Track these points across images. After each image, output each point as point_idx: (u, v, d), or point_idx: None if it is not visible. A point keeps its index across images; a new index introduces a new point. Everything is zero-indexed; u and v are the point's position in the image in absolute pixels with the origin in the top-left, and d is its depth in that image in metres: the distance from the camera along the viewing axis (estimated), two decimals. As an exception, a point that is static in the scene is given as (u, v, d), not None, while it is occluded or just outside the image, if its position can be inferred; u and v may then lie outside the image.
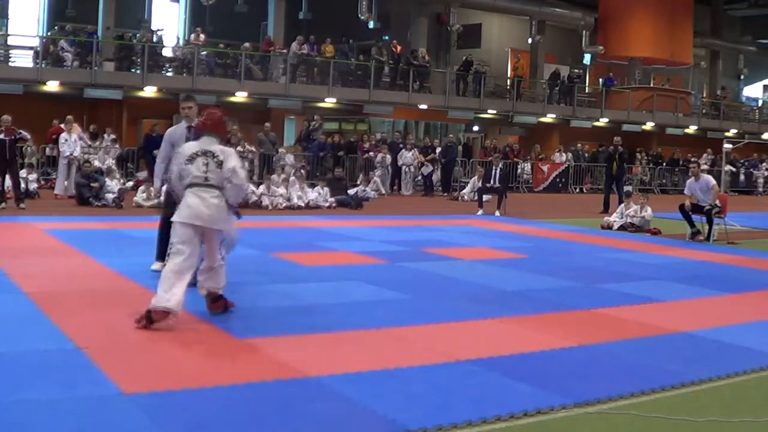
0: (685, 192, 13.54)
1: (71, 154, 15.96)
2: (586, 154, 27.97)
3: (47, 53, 21.59)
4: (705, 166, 20.86)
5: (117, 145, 19.97)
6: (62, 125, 17.37)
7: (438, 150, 23.18)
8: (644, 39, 32.80)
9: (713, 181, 13.13)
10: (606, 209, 17.06)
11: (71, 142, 16.15)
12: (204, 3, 24.80)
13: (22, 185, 14.04)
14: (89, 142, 17.31)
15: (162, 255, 7.29)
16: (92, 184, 14.67)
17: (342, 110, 26.07)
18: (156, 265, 7.50)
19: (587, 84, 34.19)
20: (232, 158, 5.94)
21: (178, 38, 27.90)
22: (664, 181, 29.63)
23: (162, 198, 8.24)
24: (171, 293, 5.48)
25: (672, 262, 10.31)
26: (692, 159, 17.26)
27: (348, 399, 4.19)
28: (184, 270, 5.61)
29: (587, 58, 35.35)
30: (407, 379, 4.59)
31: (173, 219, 5.82)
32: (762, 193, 30.50)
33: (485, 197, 17.34)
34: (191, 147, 6.04)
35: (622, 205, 14.85)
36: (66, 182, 15.90)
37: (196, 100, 7.96)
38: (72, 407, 3.88)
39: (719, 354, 5.55)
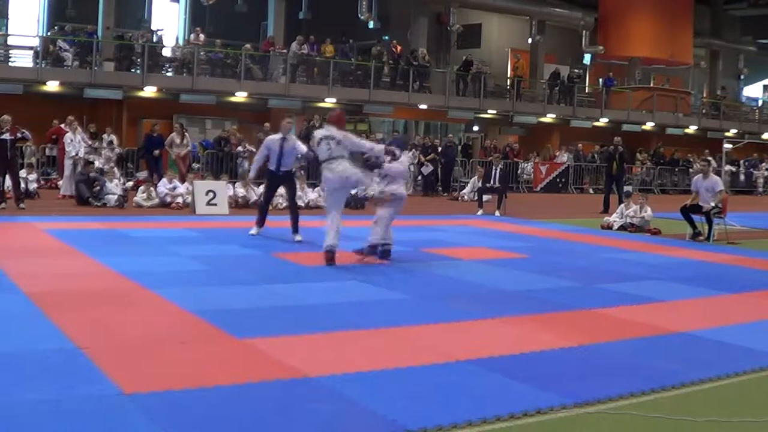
0: (692, 188, 13.52)
1: (76, 154, 15.96)
2: (596, 155, 27.81)
3: (47, 53, 21.59)
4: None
5: (117, 148, 19.92)
6: (62, 125, 17.37)
7: (438, 150, 23.16)
8: (644, 39, 32.81)
9: (721, 186, 13.09)
10: (606, 209, 17.06)
11: (76, 142, 16.16)
12: (204, 3, 24.80)
13: (22, 185, 14.05)
14: (89, 142, 17.33)
15: (261, 223, 11.06)
16: (93, 185, 14.67)
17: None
18: (254, 230, 11.01)
19: (587, 84, 34.19)
20: (347, 137, 8.68)
21: (178, 38, 27.91)
22: (663, 181, 29.63)
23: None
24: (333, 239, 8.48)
25: (672, 262, 10.31)
26: (703, 157, 17.19)
27: (348, 399, 4.19)
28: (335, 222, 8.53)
29: (587, 58, 35.36)
30: (407, 379, 4.59)
31: (325, 189, 8.94)
32: (762, 193, 30.50)
33: (485, 197, 17.33)
34: (318, 134, 8.77)
35: (622, 205, 14.84)
36: (71, 182, 15.89)
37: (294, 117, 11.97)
38: (72, 407, 3.88)
39: (719, 354, 5.55)
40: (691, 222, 12.93)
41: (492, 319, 6.32)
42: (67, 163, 16.08)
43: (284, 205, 15.90)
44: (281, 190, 16.19)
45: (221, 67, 23.94)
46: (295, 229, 10.72)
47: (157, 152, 18.49)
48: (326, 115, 9.72)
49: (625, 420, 4.09)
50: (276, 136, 10.90)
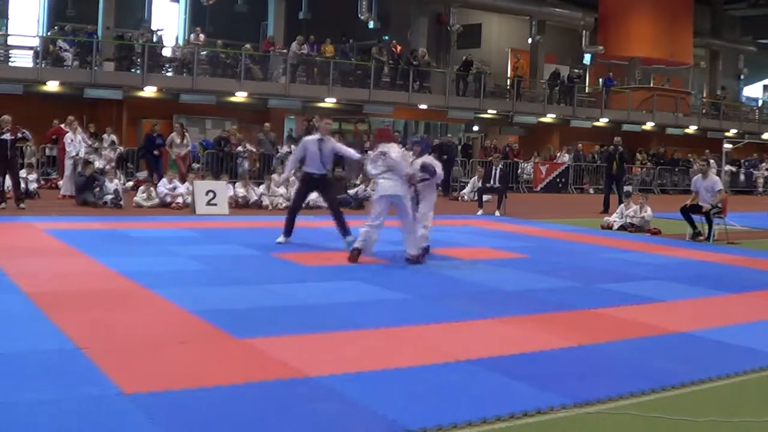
0: (692, 188, 13.55)
1: (77, 154, 15.97)
2: (596, 155, 27.74)
3: (47, 53, 21.59)
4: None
5: (120, 147, 19.88)
6: (63, 125, 17.36)
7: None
8: (644, 39, 32.81)
9: (720, 185, 13.09)
10: (606, 209, 17.06)
11: (77, 142, 16.16)
12: (204, 3, 24.80)
13: (22, 185, 14.04)
14: (89, 142, 17.33)
15: (290, 231, 10.35)
16: (94, 185, 14.64)
17: (342, 110, 26.07)
18: (280, 238, 10.26)
19: (587, 84, 34.19)
20: (393, 152, 9.12)
21: (177, 38, 27.91)
22: (664, 181, 29.64)
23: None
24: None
25: (672, 262, 10.31)
26: (703, 157, 17.24)
27: (348, 399, 4.19)
28: (377, 228, 9.05)
29: (587, 58, 35.35)
30: (407, 379, 4.59)
31: (373, 197, 9.42)
32: (762, 193, 30.51)
33: (485, 197, 17.33)
34: (374, 152, 9.39)
35: (622, 205, 14.85)
36: (71, 183, 15.90)
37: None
38: (72, 407, 3.88)
39: (719, 354, 5.55)
40: (691, 222, 12.93)
41: (492, 319, 6.32)
42: (68, 163, 16.08)
43: (284, 205, 15.93)
44: (280, 189, 16.31)
45: (221, 67, 23.93)
46: (346, 232, 10.20)
47: (156, 152, 18.49)
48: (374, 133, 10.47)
49: (625, 420, 4.09)
50: (313, 137, 10.48)
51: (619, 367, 5.05)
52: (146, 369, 4.57)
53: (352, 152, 10.91)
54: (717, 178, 13.50)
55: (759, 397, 4.65)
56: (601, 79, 32.39)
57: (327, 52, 25.15)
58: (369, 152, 10.19)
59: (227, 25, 27.74)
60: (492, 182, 17.14)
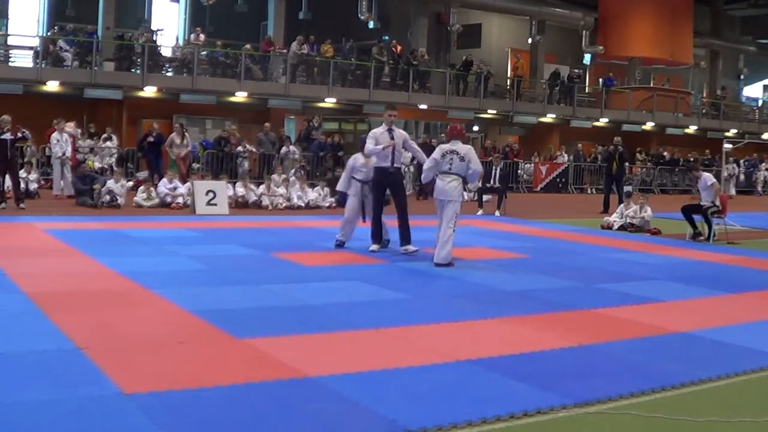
0: (694, 188, 13.68)
1: (63, 154, 15.98)
2: (598, 155, 27.70)
3: (47, 53, 21.59)
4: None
5: (117, 145, 19.89)
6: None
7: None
8: (644, 39, 32.81)
9: (711, 180, 13.16)
10: (606, 209, 17.07)
11: (63, 142, 16.17)
12: (204, 3, 24.80)
13: (22, 185, 14.04)
14: (78, 143, 17.27)
15: (380, 237, 9.90)
16: (93, 186, 14.61)
17: (342, 110, 26.07)
18: (374, 246, 9.82)
19: (587, 84, 34.18)
20: (470, 153, 9.03)
21: (178, 38, 27.91)
22: (664, 181, 29.63)
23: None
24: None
25: (672, 262, 10.31)
26: (692, 163, 17.35)
27: (348, 399, 4.19)
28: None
29: (587, 58, 35.34)
30: (407, 379, 4.59)
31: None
32: (762, 193, 30.50)
33: (485, 197, 17.34)
34: (443, 148, 9.18)
35: (622, 205, 14.85)
36: (62, 182, 15.92)
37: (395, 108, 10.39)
38: (72, 407, 3.88)
39: (719, 354, 5.55)
40: (692, 222, 12.95)
41: (492, 319, 6.32)
42: (55, 163, 16.10)
43: (284, 205, 15.92)
44: (280, 189, 16.29)
45: (221, 67, 23.93)
46: (407, 239, 9.73)
47: (140, 154, 18.60)
48: (446, 128, 9.83)
49: (625, 420, 4.09)
50: (381, 128, 9.92)
51: (619, 367, 5.05)
52: (146, 369, 4.57)
53: (421, 155, 10.30)
54: (707, 174, 13.60)
55: (759, 397, 4.65)
56: (601, 79, 32.39)
57: (327, 52, 25.15)
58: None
59: (227, 25, 27.75)
60: (492, 182, 17.15)
